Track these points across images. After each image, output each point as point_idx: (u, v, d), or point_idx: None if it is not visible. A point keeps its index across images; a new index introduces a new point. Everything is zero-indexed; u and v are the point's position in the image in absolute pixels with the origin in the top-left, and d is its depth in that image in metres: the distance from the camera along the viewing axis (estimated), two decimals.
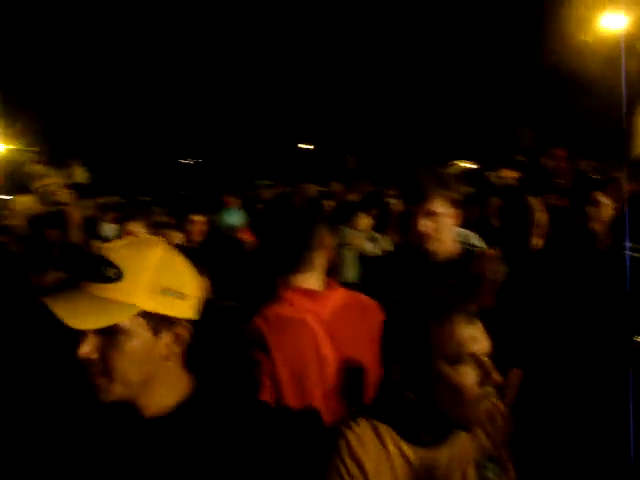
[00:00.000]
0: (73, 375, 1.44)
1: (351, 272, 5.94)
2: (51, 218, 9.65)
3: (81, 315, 1.27)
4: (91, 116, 21.94)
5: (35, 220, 10.13)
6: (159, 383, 1.41)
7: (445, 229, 2.93)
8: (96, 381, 1.36)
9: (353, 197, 9.86)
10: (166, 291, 1.35)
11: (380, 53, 22.19)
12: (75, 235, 6.51)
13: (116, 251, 1.36)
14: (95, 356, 1.33)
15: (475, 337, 1.58)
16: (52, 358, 2.98)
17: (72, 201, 14.15)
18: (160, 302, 1.35)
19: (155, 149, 24.52)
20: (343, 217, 6.88)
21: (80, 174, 15.93)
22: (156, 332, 1.37)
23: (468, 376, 1.58)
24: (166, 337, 1.39)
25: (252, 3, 22.30)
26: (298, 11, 22.01)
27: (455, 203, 2.97)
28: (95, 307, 1.28)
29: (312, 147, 28.61)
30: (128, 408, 1.42)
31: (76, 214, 7.95)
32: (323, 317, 2.14)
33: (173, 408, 1.42)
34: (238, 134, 25.53)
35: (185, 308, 1.40)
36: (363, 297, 2.42)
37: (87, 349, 1.32)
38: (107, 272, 1.32)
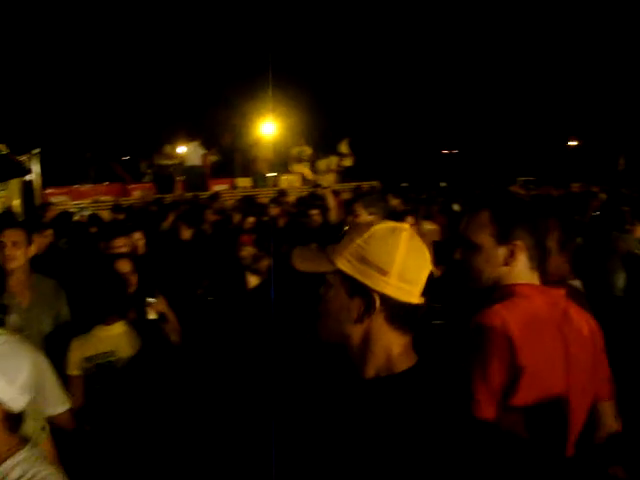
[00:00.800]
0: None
1: (621, 279, 5.32)
2: (313, 199, 10.00)
3: (303, 261, 1.53)
4: (422, 102, 22.63)
5: (300, 200, 10.66)
6: (371, 347, 1.50)
7: None
8: (317, 320, 1.56)
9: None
10: (365, 261, 1.46)
11: None
12: (333, 216, 6.70)
13: (354, 224, 1.51)
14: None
15: None
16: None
17: (334, 184, 14.75)
18: (357, 269, 1.46)
19: (421, 138, 24.60)
20: (616, 223, 6.19)
21: (346, 157, 16.37)
22: (349, 293, 1.48)
23: None
24: (358, 302, 1.47)
25: None
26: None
27: None
28: (314, 258, 1.53)
29: (578, 144, 26.62)
30: (348, 369, 1.55)
31: (334, 197, 8.28)
32: (557, 315, 2.06)
33: (388, 375, 1.49)
34: (504, 127, 24.57)
35: (382, 283, 1.45)
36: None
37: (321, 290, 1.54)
38: (337, 237, 1.54)
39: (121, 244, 4.61)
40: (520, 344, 1.90)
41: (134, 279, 3.75)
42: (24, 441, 1.58)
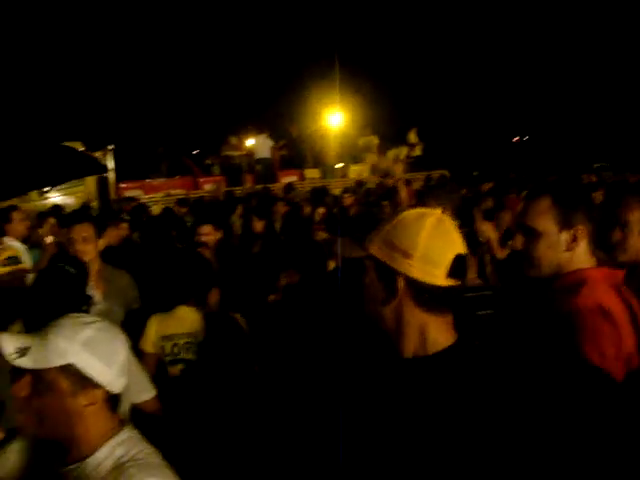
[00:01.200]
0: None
1: None
2: (382, 190, 9.87)
3: (350, 248, 1.66)
4: (428, 91, 22.27)
5: (368, 192, 10.56)
6: (404, 328, 1.55)
7: None
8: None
9: None
10: (392, 245, 1.52)
11: None
12: (404, 206, 6.60)
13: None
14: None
15: None
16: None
17: (403, 174, 14.54)
18: (386, 253, 1.53)
19: (492, 125, 24.04)
20: None
21: (415, 147, 16.14)
22: (379, 277, 1.55)
23: None
24: (386, 284, 1.54)
25: None
26: None
27: None
28: (358, 245, 1.62)
29: None
30: (388, 349, 1.60)
31: (405, 188, 8.21)
32: (625, 297, 2.08)
33: (424, 355, 1.53)
34: (578, 113, 23.70)
35: (406, 266, 1.50)
36: None
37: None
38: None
39: (207, 231, 4.85)
40: (621, 323, 1.94)
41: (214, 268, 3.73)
42: (124, 422, 1.64)
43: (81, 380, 1.51)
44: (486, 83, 23.60)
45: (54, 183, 13.62)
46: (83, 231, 3.62)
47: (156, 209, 10.35)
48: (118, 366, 1.56)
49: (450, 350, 1.53)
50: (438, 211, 1.57)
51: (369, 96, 17.14)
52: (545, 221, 2.07)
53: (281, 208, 8.05)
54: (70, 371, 1.50)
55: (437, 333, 1.54)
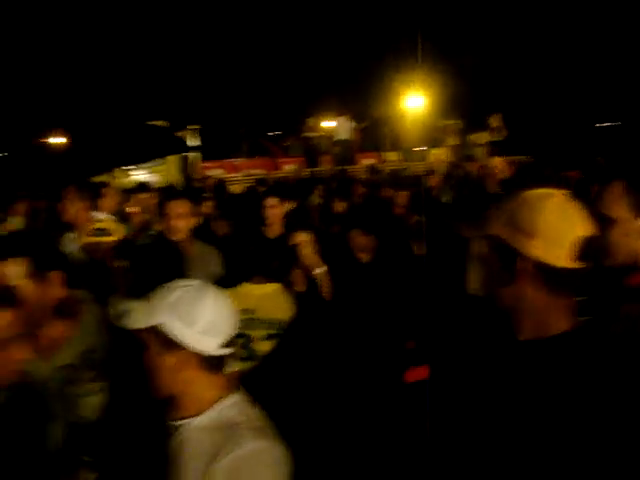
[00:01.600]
0: None
1: None
2: (465, 174, 9.69)
3: (468, 228, 1.64)
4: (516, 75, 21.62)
5: (447, 177, 10.39)
6: (523, 309, 1.53)
7: None
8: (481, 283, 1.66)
9: None
10: (514, 226, 1.50)
11: None
12: (492, 186, 6.59)
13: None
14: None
15: None
16: None
17: (484, 159, 14.20)
18: (508, 233, 1.51)
19: (578, 111, 23.09)
20: None
21: (497, 131, 15.74)
22: (501, 257, 1.53)
23: None
24: (508, 264, 1.51)
25: None
26: None
27: None
28: (476, 225, 1.61)
29: None
30: (505, 330, 1.58)
31: (492, 172, 8.10)
32: None
33: (541, 337, 1.50)
34: None
35: (529, 247, 1.48)
36: None
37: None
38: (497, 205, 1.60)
39: (272, 203, 4.65)
40: None
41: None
42: (236, 385, 1.68)
43: (167, 341, 1.57)
44: (574, 67, 22.69)
45: (142, 160, 14.16)
46: (179, 207, 3.63)
47: (236, 188, 10.52)
48: (200, 327, 1.57)
49: (570, 334, 1.50)
50: (563, 192, 1.54)
51: (452, 79, 16.78)
52: (619, 208, 2.00)
53: (360, 190, 8.01)
54: (157, 332, 1.57)
55: (557, 316, 1.51)
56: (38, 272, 1.99)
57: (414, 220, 4.06)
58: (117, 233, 3.23)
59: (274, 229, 4.63)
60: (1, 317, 1.64)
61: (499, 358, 1.60)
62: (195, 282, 1.65)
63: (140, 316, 1.59)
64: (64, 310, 2.09)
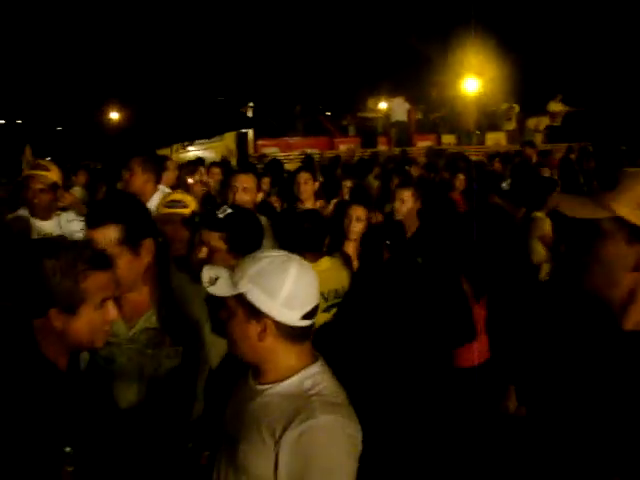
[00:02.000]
0: None
1: None
2: (523, 160, 9.53)
3: (574, 207, 1.49)
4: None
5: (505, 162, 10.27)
6: (638, 299, 1.44)
7: None
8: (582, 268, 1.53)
9: None
10: None
11: None
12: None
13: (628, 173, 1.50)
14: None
15: None
16: None
17: (542, 144, 13.93)
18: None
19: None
20: None
21: (557, 117, 15.43)
22: (628, 240, 1.40)
23: None
24: (638, 249, 1.40)
25: None
26: None
27: None
28: (585, 205, 1.47)
29: None
30: (607, 320, 1.50)
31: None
32: None
33: None
34: None
35: None
36: None
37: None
38: (610, 184, 1.47)
39: (306, 178, 4.85)
40: None
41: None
42: (316, 356, 1.72)
43: (251, 309, 1.61)
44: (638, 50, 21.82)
45: (209, 135, 14.38)
46: (245, 181, 3.71)
47: (291, 167, 10.60)
48: (282, 298, 1.60)
49: None
50: None
51: (511, 63, 16.41)
52: None
53: (414, 172, 7.99)
54: (243, 300, 1.61)
55: None
56: (131, 239, 2.07)
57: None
58: (192, 205, 3.32)
59: (307, 205, 4.77)
60: (97, 278, 1.72)
61: (604, 349, 1.51)
62: (280, 253, 1.70)
63: (226, 285, 1.64)
64: (152, 276, 2.19)
